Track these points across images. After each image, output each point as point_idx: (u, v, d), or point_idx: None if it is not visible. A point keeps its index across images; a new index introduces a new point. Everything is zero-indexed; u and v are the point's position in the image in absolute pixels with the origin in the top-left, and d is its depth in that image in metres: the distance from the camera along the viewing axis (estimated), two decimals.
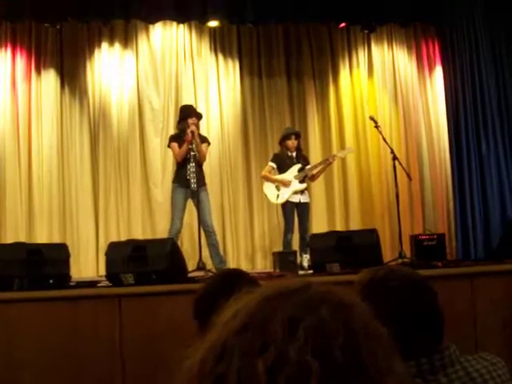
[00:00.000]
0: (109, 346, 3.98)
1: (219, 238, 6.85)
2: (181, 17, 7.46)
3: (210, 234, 6.36)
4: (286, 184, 6.58)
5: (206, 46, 8.04)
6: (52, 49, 7.63)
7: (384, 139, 6.58)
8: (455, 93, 7.67)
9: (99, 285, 4.77)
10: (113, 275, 4.58)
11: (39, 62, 7.58)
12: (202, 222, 6.23)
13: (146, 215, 7.65)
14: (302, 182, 6.65)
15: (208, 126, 7.74)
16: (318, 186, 7.89)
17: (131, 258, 4.53)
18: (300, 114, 8.25)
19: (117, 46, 7.80)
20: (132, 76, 7.79)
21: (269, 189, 6.69)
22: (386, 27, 8.27)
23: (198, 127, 6.42)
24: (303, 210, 6.65)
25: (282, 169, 6.68)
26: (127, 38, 7.85)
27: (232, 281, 1.98)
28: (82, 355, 3.94)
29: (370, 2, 7.38)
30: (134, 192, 7.62)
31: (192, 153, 6.22)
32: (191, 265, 5.69)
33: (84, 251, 7.37)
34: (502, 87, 7.67)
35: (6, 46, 7.45)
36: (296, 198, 6.59)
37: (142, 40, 7.87)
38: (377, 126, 6.54)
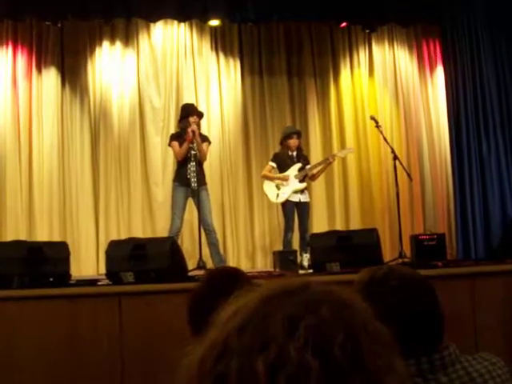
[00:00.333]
0: (109, 344, 3.99)
1: (219, 236, 6.86)
2: (182, 15, 7.46)
3: (210, 232, 6.36)
4: (285, 178, 6.57)
5: (206, 44, 8.04)
6: (53, 47, 7.63)
7: (385, 139, 6.58)
8: (456, 93, 7.66)
9: (99, 283, 4.77)
10: (113, 273, 4.58)
11: (40, 60, 7.58)
12: (202, 220, 6.23)
13: (147, 214, 7.65)
14: (302, 181, 6.65)
15: (209, 125, 7.74)
16: (319, 185, 7.89)
17: (131, 257, 4.54)
18: (301, 113, 8.25)
19: (118, 44, 7.80)
20: (133, 74, 7.79)
21: (269, 188, 6.69)
22: (387, 27, 8.27)
23: (199, 126, 6.42)
24: (303, 209, 6.65)
25: (282, 168, 6.68)
26: (128, 37, 7.85)
27: (223, 285, 1.93)
28: (82, 353, 3.94)
29: (371, 1, 7.38)
30: (134, 191, 7.62)
31: (193, 152, 6.22)
32: (191, 264, 5.70)
33: (84, 249, 7.37)
34: (502, 87, 7.66)
35: (7, 44, 7.45)
36: (296, 198, 6.59)
37: (142, 38, 7.87)
38: (377, 126, 6.54)
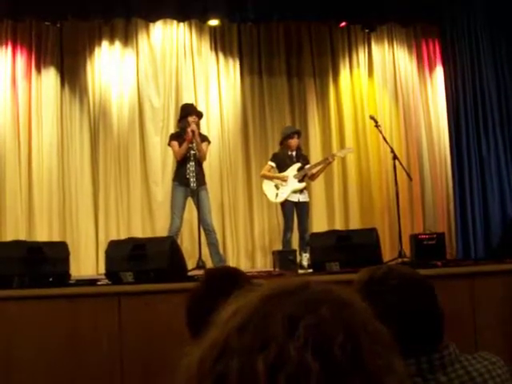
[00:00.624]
0: (108, 344, 3.98)
1: (219, 236, 6.86)
2: (181, 15, 7.47)
3: (209, 232, 6.36)
4: (285, 178, 6.57)
5: (206, 44, 8.04)
6: (52, 47, 7.63)
7: (384, 138, 6.58)
8: (455, 92, 7.67)
9: (99, 283, 4.77)
10: (112, 273, 4.58)
11: (39, 60, 7.58)
12: (202, 220, 6.23)
13: (146, 213, 7.65)
14: (301, 181, 6.65)
15: (208, 125, 7.74)
16: (318, 185, 7.89)
17: (131, 257, 4.53)
18: (300, 113, 8.25)
19: (117, 44, 7.80)
20: (132, 74, 7.79)
21: (268, 188, 6.69)
22: (387, 27, 8.27)
23: (198, 126, 6.42)
24: (302, 209, 6.65)
25: (281, 168, 6.68)
26: (127, 37, 7.85)
27: (221, 285, 1.92)
28: (82, 353, 3.94)
29: (370, 1, 7.38)
30: (133, 190, 7.63)
31: (192, 152, 6.23)
32: (191, 263, 5.70)
33: (84, 249, 7.37)
34: (502, 87, 7.67)
35: (6, 44, 7.45)
36: (295, 198, 6.59)
37: (142, 38, 7.87)
38: (377, 126, 6.54)
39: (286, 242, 6.55)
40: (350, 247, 4.88)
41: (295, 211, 6.64)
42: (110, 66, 7.75)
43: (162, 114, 7.79)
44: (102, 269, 5.20)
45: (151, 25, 7.81)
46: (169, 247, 4.67)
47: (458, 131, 7.62)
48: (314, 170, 6.76)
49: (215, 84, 8.01)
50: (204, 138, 6.51)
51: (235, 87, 8.07)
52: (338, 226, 7.83)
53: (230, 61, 8.10)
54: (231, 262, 7.55)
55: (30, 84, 7.51)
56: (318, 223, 7.80)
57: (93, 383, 3.93)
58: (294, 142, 6.68)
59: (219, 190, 7.78)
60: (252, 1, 7.20)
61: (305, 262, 5.99)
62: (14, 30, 7.51)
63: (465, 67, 7.65)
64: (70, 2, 6.93)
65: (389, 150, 6.53)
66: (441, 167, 8.13)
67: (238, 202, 7.90)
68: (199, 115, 6.53)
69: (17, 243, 5.05)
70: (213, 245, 6.39)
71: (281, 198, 6.61)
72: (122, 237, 6.72)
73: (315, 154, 7.79)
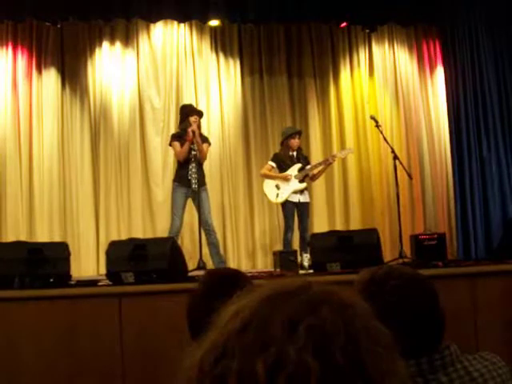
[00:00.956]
0: (109, 344, 3.99)
1: (219, 237, 6.86)
2: (182, 16, 7.46)
3: (210, 233, 6.36)
4: (287, 178, 6.56)
5: (206, 45, 8.04)
6: (53, 48, 7.62)
7: (385, 139, 6.58)
8: (456, 93, 7.66)
9: (99, 284, 4.77)
10: (113, 274, 4.58)
11: (40, 60, 7.58)
12: (203, 221, 6.23)
13: (147, 214, 7.65)
14: (301, 181, 6.64)
15: (209, 125, 7.74)
16: (319, 185, 7.89)
17: (131, 257, 4.54)
18: (301, 113, 8.24)
19: (118, 45, 7.80)
20: (133, 75, 7.79)
21: (269, 188, 6.69)
22: (387, 27, 8.27)
23: (199, 125, 6.43)
24: (303, 209, 6.65)
25: (282, 168, 6.67)
26: (128, 37, 7.85)
27: (221, 287, 1.90)
28: (82, 354, 3.94)
29: (371, 1, 7.37)
30: (134, 191, 7.63)
31: (193, 152, 6.23)
32: (192, 264, 5.70)
33: (84, 250, 7.37)
34: (502, 87, 7.66)
35: (7, 45, 7.46)
36: (295, 198, 6.58)
37: (142, 39, 7.87)
38: (377, 126, 6.54)
39: (287, 242, 6.55)
40: (350, 248, 4.88)
41: (296, 211, 6.64)
42: (111, 66, 7.75)
43: (162, 114, 7.79)
44: (103, 269, 5.21)
45: (152, 25, 7.82)
46: (169, 248, 4.68)
47: (458, 131, 7.62)
48: (315, 171, 6.76)
49: (216, 84, 8.01)
50: (204, 139, 6.50)
51: (236, 87, 8.07)
52: (339, 226, 7.83)
53: (231, 61, 8.10)
54: (232, 263, 7.55)
55: (31, 85, 7.51)
56: (319, 223, 7.80)
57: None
58: (295, 142, 6.68)
59: (220, 190, 7.77)
60: (252, 1, 7.20)
61: (305, 263, 5.99)
62: (15, 30, 7.51)
63: (465, 67, 7.65)
64: (71, 3, 6.92)
65: (389, 150, 6.53)
66: (441, 167, 8.12)
67: (238, 203, 7.90)
68: (199, 114, 6.53)
69: (17, 244, 5.06)
70: (213, 245, 6.39)
71: (281, 199, 6.60)
72: (123, 237, 6.73)
73: (316, 154, 7.79)
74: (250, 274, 5.53)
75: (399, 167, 6.37)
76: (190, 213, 6.82)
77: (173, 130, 7.32)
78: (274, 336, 0.65)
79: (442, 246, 5.50)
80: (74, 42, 7.72)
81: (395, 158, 6.39)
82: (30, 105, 7.47)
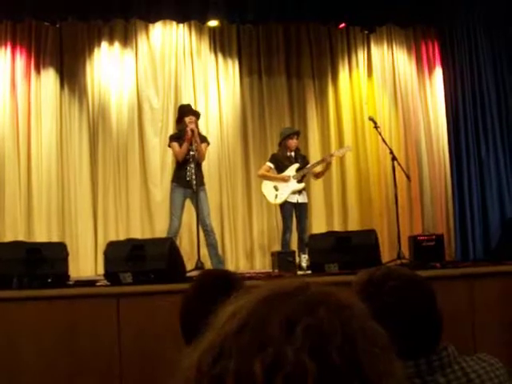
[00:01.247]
0: (107, 344, 3.99)
1: (218, 237, 6.86)
2: (180, 16, 7.46)
3: (208, 233, 6.36)
4: (286, 179, 6.56)
5: (205, 45, 8.04)
6: (52, 48, 7.62)
7: (383, 140, 6.58)
8: (455, 94, 7.66)
9: (98, 284, 4.77)
10: (111, 274, 4.58)
11: (39, 60, 7.57)
12: (201, 221, 6.24)
13: (145, 214, 7.64)
14: (300, 181, 6.64)
15: (207, 126, 7.74)
16: (317, 186, 7.90)
17: (130, 258, 4.54)
18: (299, 114, 8.24)
19: (116, 45, 7.80)
20: (131, 75, 7.79)
21: (267, 189, 6.68)
22: (386, 28, 8.27)
23: (196, 125, 6.42)
24: (301, 210, 6.65)
25: (280, 169, 6.67)
26: (127, 38, 7.84)
27: (213, 290, 1.88)
28: (81, 354, 3.94)
29: (369, 2, 7.38)
30: (132, 191, 7.62)
31: (191, 153, 6.23)
32: (190, 264, 5.70)
33: (83, 250, 7.36)
34: (501, 88, 7.67)
35: (5, 45, 7.45)
36: (294, 199, 6.58)
37: (141, 39, 7.87)
38: (376, 127, 6.54)
39: (285, 243, 6.55)
40: (348, 248, 4.88)
41: (294, 212, 6.64)
42: (110, 66, 7.74)
43: (161, 114, 7.79)
44: (101, 270, 5.21)
45: (150, 26, 7.81)
46: (168, 248, 4.68)
47: (456, 132, 7.62)
48: (314, 170, 6.76)
49: (214, 85, 8.01)
50: (203, 139, 6.50)
51: (234, 88, 8.07)
52: (337, 227, 7.83)
53: (230, 62, 8.10)
54: (230, 263, 7.55)
55: (30, 85, 7.50)
56: (317, 224, 7.80)
57: (92, 383, 3.93)
58: (293, 142, 6.68)
59: (218, 190, 7.77)
60: (251, 2, 7.20)
61: (304, 263, 5.98)
62: (14, 30, 7.50)
63: (464, 68, 7.65)
64: (70, 3, 6.92)
65: (388, 151, 6.53)
66: (440, 168, 8.13)
67: (237, 203, 7.90)
68: (196, 115, 6.52)
69: (16, 244, 5.05)
70: (212, 246, 6.39)
71: (280, 200, 6.60)
72: (121, 238, 6.73)
73: (314, 155, 7.79)
74: (248, 275, 5.54)
75: (397, 168, 6.37)
76: (189, 213, 6.82)
77: (171, 130, 7.32)
78: (272, 336, 0.65)
79: (440, 247, 5.50)
80: (73, 42, 7.72)
81: (393, 158, 6.39)
82: (29, 105, 7.47)
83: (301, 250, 6.27)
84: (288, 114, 8.17)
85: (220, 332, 0.69)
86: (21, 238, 6.75)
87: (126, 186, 7.62)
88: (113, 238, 6.91)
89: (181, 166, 6.39)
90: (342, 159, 7.85)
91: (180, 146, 6.34)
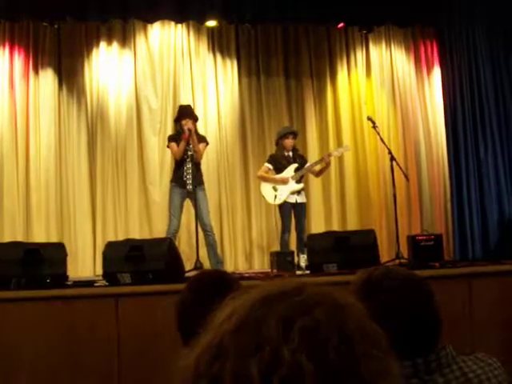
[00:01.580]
0: (106, 345, 3.98)
1: (217, 237, 6.85)
2: (179, 16, 7.46)
3: (207, 233, 6.36)
4: (285, 181, 6.56)
5: (204, 45, 8.04)
6: (50, 48, 7.61)
7: (382, 139, 6.58)
8: (453, 94, 7.66)
9: (96, 284, 4.77)
10: (110, 274, 4.58)
11: (37, 60, 7.56)
12: (200, 221, 6.23)
13: (144, 215, 7.64)
14: (298, 181, 6.64)
15: (206, 126, 7.74)
16: (316, 186, 7.90)
17: (128, 258, 4.54)
18: (298, 114, 8.25)
19: (115, 45, 7.80)
20: (130, 75, 7.79)
21: (266, 189, 6.68)
22: (384, 28, 8.27)
23: (194, 126, 6.42)
24: (300, 210, 6.65)
25: (278, 169, 6.66)
26: (125, 38, 7.84)
27: (209, 290, 1.88)
28: (79, 355, 3.94)
29: (368, 2, 7.38)
30: (131, 191, 7.62)
31: (189, 152, 6.24)
32: (189, 265, 5.69)
33: (81, 250, 7.36)
34: (500, 88, 7.67)
35: (3, 45, 7.44)
36: (292, 199, 6.58)
37: (140, 39, 7.86)
38: (374, 127, 6.54)
39: (284, 243, 6.54)
40: (347, 248, 4.88)
41: (293, 212, 6.64)
42: (108, 67, 7.74)
43: (159, 115, 7.79)
44: (100, 270, 5.20)
45: (149, 26, 7.81)
46: (166, 248, 4.68)
47: (455, 132, 7.62)
48: (316, 168, 6.77)
49: (213, 85, 8.00)
50: (202, 139, 6.50)
51: (233, 88, 8.07)
52: (336, 227, 7.83)
53: (228, 62, 8.10)
54: (229, 263, 7.55)
55: (28, 85, 7.50)
56: (316, 224, 7.80)
57: None
58: (288, 142, 6.67)
59: (217, 190, 7.77)
60: (250, 2, 7.20)
61: (302, 263, 5.97)
62: (12, 30, 7.50)
63: (462, 68, 7.65)
64: (68, 3, 6.91)
65: (386, 151, 6.53)
66: (438, 168, 8.13)
67: (235, 203, 7.90)
68: (194, 118, 6.51)
69: (14, 244, 5.04)
70: (211, 246, 6.39)
71: (279, 200, 6.60)
72: (120, 238, 6.73)
73: (313, 155, 7.79)
74: (246, 275, 5.54)
75: (396, 168, 6.37)
76: (188, 213, 6.82)
77: (170, 130, 7.32)
78: (269, 337, 0.65)
79: (439, 247, 5.49)
80: (71, 42, 7.71)
81: (392, 158, 6.39)
82: (27, 105, 7.46)
83: (299, 249, 6.27)
84: (286, 114, 8.17)
85: (217, 332, 0.69)
86: (19, 238, 6.75)
87: (125, 186, 7.62)
88: (111, 238, 6.90)
89: (179, 165, 6.39)
90: (340, 159, 7.85)
91: (178, 145, 6.35)
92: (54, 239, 7.06)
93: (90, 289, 4.53)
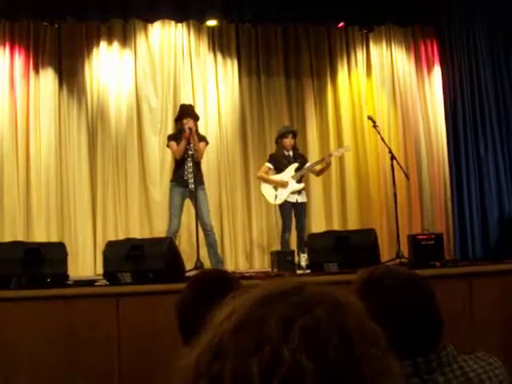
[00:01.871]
0: (106, 344, 3.98)
1: (217, 237, 6.85)
2: (179, 16, 7.45)
3: (208, 233, 6.36)
4: (284, 185, 6.57)
5: (204, 45, 8.03)
6: (50, 48, 7.61)
7: (382, 139, 6.58)
8: (453, 93, 7.66)
9: (97, 284, 4.77)
10: (110, 274, 4.58)
11: (37, 60, 7.56)
12: (201, 221, 6.23)
13: (144, 214, 7.64)
14: (299, 181, 6.64)
15: (206, 126, 7.74)
16: (316, 185, 7.90)
17: (129, 257, 4.54)
18: (298, 114, 8.24)
19: (115, 45, 7.80)
20: (130, 75, 7.79)
21: (266, 189, 6.68)
22: (385, 27, 8.27)
23: (195, 125, 6.42)
24: (300, 209, 6.65)
25: (278, 169, 6.66)
26: (126, 37, 7.84)
27: (209, 290, 1.88)
28: (80, 354, 3.94)
29: (368, 1, 7.37)
30: (131, 191, 7.62)
31: (190, 152, 6.23)
32: (189, 264, 5.69)
33: (82, 250, 7.36)
34: (500, 87, 7.67)
35: (4, 45, 7.44)
36: (293, 198, 6.58)
37: (140, 39, 7.86)
38: (375, 126, 6.54)
39: (285, 242, 6.54)
40: (348, 248, 4.88)
41: (293, 212, 6.64)
42: (108, 66, 7.74)
43: (160, 114, 7.79)
44: (100, 269, 5.21)
45: (149, 25, 7.81)
46: (167, 248, 4.68)
47: (455, 131, 7.62)
48: (317, 168, 6.76)
49: (213, 85, 8.00)
50: (202, 139, 6.50)
51: (233, 88, 8.07)
52: (336, 226, 7.82)
53: (228, 61, 8.10)
54: (229, 263, 7.55)
55: (28, 85, 7.50)
56: (316, 224, 7.80)
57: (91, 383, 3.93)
58: (287, 141, 6.67)
59: (217, 190, 7.77)
60: (250, 1, 7.20)
61: (303, 263, 5.97)
62: (12, 30, 7.50)
63: (462, 67, 7.65)
64: (68, 3, 6.91)
65: (387, 150, 6.53)
66: (439, 167, 8.13)
67: (236, 203, 7.90)
68: (195, 117, 6.51)
69: (15, 244, 5.05)
70: (211, 245, 6.39)
71: (280, 200, 6.59)
72: (120, 237, 6.72)
73: (313, 155, 7.79)
74: (247, 274, 5.54)
75: (396, 167, 6.37)
76: (188, 213, 6.82)
77: (170, 129, 7.32)
78: (269, 336, 0.65)
79: (440, 246, 5.49)
80: (72, 41, 7.71)
81: (392, 158, 6.39)
82: (28, 105, 7.46)
83: (300, 249, 6.26)
84: (287, 114, 8.17)
85: (217, 332, 0.68)
86: (20, 237, 6.75)
87: (125, 185, 7.62)
88: (112, 237, 6.90)
89: (179, 165, 6.39)
90: (341, 158, 7.85)
91: (178, 144, 6.35)
92: (54, 238, 7.06)
93: (90, 288, 4.53)
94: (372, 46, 8.34)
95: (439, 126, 8.14)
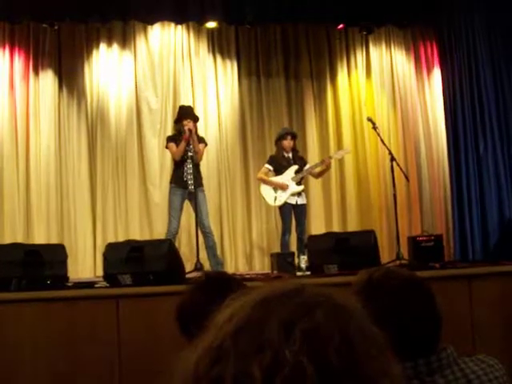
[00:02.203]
0: (106, 346, 3.98)
1: (217, 238, 6.85)
2: (179, 17, 7.46)
3: (207, 235, 6.36)
4: (284, 187, 6.56)
5: (204, 46, 8.04)
6: (50, 49, 7.62)
7: (382, 140, 6.58)
8: (453, 94, 7.66)
9: (97, 285, 4.76)
10: (110, 276, 4.58)
11: (37, 62, 7.57)
12: (200, 223, 6.23)
13: (144, 216, 7.64)
14: (299, 183, 6.64)
15: (206, 127, 7.74)
16: (316, 187, 7.90)
17: (129, 259, 4.53)
18: (298, 115, 8.25)
19: (115, 46, 7.80)
20: (130, 77, 7.79)
21: (266, 191, 6.68)
22: (384, 29, 8.27)
23: (196, 129, 6.42)
24: (300, 211, 6.65)
25: (278, 170, 6.66)
26: (125, 39, 7.85)
27: (212, 291, 1.87)
28: (80, 356, 3.94)
29: (368, 3, 7.38)
30: (131, 193, 7.62)
31: (189, 153, 6.23)
32: (189, 266, 5.69)
33: (81, 252, 7.36)
34: (499, 89, 7.67)
35: (4, 47, 7.45)
36: (293, 200, 6.59)
37: (140, 41, 7.87)
38: (375, 128, 6.54)
39: (284, 244, 6.54)
40: (348, 249, 4.88)
41: (293, 213, 6.64)
42: (108, 68, 7.74)
43: (159, 116, 7.79)
44: (100, 271, 5.20)
45: (149, 27, 7.81)
46: (167, 250, 4.67)
47: (455, 133, 7.62)
48: (317, 170, 6.76)
49: (213, 86, 8.01)
50: (201, 140, 6.50)
51: (233, 89, 8.07)
52: (336, 228, 7.82)
53: (228, 63, 8.10)
54: (229, 265, 7.55)
55: (28, 86, 7.50)
56: (316, 225, 7.80)
57: None
58: (287, 143, 6.67)
59: (217, 191, 7.77)
60: (250, 3, 7.20)
61: (303, 265, 5.97)
62: (12, 32, 7.50)
63: (462, 68, 7.65)
64: (68, 5, 6.91)
65: (386, 151, 6.53)
66: (438, 168, 8.13)
67: (235, 204, 7.89)
68: (195, 119, 6.52)
69: (14, 246, 5.04)
70: (211, 247, 6.39)
71: (280, 202, 6.59)
72: (120, 239, 6.72)
73: (313, 156, 7.80)
74: (247, 276, 5.54)
75: (396, 169, 6.38)
76: (187, 215, 6.82)
77: (170, 131, 7.32)
78: (269, 339, 0.65)
79: (440, 247, 5.50)
80: (71, 43, 7.72)
81: (392, 159, 6.39)
82: (27, 106, 7.46)
83: (300, 251, 6.26)
84: (286, 115, 8.17)
85: (217, 334, 0.68)
86: (19, 239, 6.75)
87: (125, 187, 7.62)
88: (112, 239, 6.89)
89: (178, 166, 6.39)
90: (340, 160, 7.85)
91: (177, 146, 6.35)
92: (54, 240, 7.06)
93: (90, 290, 4.52)
94: (372, 47, 8.35)
95: (439, 127, 8.14)
